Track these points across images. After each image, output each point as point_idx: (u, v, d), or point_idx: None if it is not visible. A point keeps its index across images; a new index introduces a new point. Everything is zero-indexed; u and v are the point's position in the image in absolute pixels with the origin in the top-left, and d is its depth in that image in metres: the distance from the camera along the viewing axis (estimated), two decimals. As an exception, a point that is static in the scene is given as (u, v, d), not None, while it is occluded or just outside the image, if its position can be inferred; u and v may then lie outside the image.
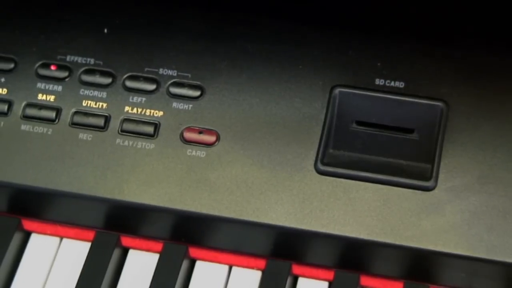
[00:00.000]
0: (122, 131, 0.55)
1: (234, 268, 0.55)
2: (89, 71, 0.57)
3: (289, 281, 0.54)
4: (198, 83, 0.56)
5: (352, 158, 0.55)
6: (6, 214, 0.56)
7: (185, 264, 0.55)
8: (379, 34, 0.57)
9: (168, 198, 0.54)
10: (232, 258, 0.55)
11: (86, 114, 0.56)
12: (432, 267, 0.53)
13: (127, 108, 0.56)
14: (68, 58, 0.58)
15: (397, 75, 0.55)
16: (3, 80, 0.57)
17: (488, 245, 0.51)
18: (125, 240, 0.56)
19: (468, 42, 0.56)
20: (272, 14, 0.58)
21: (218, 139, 0.55)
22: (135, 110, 0.56)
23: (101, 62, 0.57)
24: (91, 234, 0.56)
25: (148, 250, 0.56)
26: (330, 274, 0.54)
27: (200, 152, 0.54)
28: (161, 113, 0.56)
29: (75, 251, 0.56)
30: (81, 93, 0.56)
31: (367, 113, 0.55)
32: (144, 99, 0.56)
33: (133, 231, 0.56)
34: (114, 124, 0.55)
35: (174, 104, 0.56)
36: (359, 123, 0.56)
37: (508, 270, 0.51)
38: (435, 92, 0.55)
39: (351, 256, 0.53)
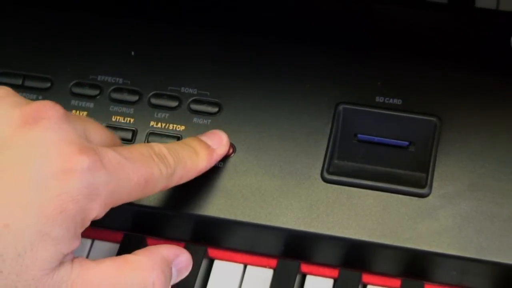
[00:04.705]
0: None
1: (248, 267, 0.56)
2: (118, 90, 0.58)
3: (298, 278, 0.55)
4: (216, 100, 0.57)
5: (355, 168, 0.56)
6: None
7: (204, 263, 0.56)
8: (379, 56, 0.58)
9: (188, 204, 0.55)
10: (246, 257, 0.56)
11: (116, 128, 0.57)
12: (427, 266, 0.53)
13: (152, 123, 0.57)
14: (99, 77, 0.59)
15: (395, 93, 0.56)
16: (40, 97, 0.58)
17: (477, 246, 0.52)
18: (150, 242, 0.56)
19: (460, 63, 0.57)
20: (283, 38, 0.60)
21: (234, 151, 0.56)
22: (159, 125, 0.57)
23: (129, 82, 0.59)
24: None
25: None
26: (335, 272, 0.55)
27: (218, 163, 0.55)
28: (183, 127, 0.57)
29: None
30: (110, 109, 0.58)
31: (368, 127, 0.56)
32: (167, 114, 0.57)
33: (158, 234, 0.57)
34: (141, 137, 0.57)
35: (195, 119, 0.57)
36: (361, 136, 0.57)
37: (495, 268, 0.52)
38: (430, 108, 0.56)
39: (354, 256, 0.54)
